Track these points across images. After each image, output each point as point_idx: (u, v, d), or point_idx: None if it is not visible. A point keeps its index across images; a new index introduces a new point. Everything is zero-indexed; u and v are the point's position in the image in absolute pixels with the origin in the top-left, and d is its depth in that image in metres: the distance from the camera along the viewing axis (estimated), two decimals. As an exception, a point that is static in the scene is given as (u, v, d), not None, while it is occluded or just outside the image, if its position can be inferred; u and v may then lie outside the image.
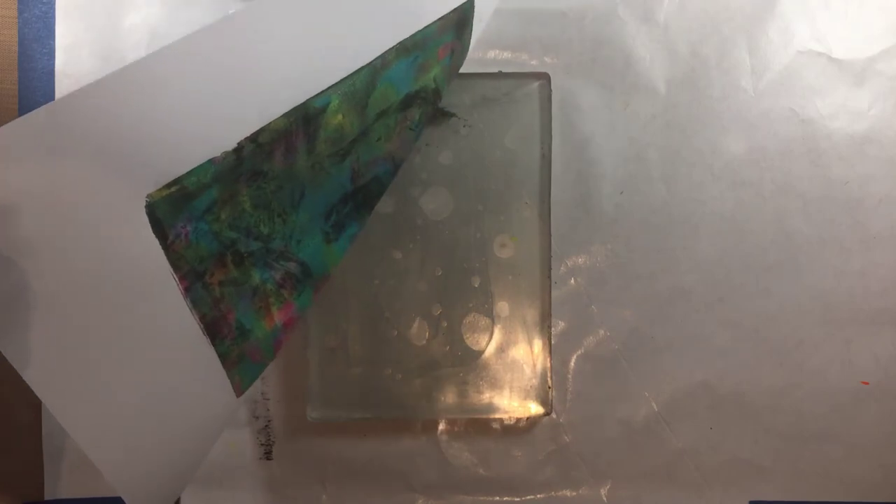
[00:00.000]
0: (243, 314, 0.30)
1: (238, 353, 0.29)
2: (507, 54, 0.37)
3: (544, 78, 0.36)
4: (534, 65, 0.37)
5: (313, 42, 0.27)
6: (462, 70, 0.37)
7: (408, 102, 0.32)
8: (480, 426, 0.38)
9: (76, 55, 0.37)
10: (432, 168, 0.36)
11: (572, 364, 0.38)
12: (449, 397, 0.36)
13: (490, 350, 0.37)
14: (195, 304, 0.27)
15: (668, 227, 0.38)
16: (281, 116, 0.27)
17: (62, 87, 0.37)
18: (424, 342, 0.36)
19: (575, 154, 0.37)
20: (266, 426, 0.37)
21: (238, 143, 0.26)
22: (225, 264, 0.28)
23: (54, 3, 0.37)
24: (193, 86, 0.24)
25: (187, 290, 0.26)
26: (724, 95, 0.37)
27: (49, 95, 0.37)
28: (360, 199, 0.33)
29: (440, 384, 0.36)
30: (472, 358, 0.36)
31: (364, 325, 0.36)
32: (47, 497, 0.36)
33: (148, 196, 0.24)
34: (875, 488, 0.38)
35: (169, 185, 0.24)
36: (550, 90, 0.36)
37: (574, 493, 0.38)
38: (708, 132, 0.37)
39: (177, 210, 0.25)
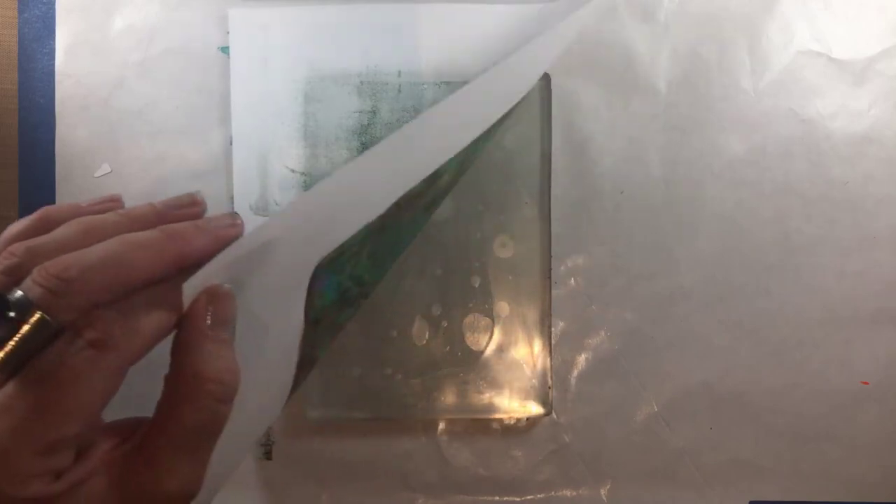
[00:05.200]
0: (323, 347, 0.32)
1: (303, 377, 0.30)
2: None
3: (544, 78, 0.36)
4: (534, 65, 0.37)
5: (456, 129, 0.30)
6: (462, 70, 0.37)
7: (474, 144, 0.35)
8: (480, 426, 0.37)
9: (76, 55, 0.37)
10: (432, 168, 0.36)
11: (572, 364, 0.38)
12: (449, 397, 0.36)
13: (490, 350, 0.36)
14: (302, 345, 0.28)
15: (668, 227, 0.38)
16: (420, 182, 0.29)
17: (62, 87, 0.37)
18: (424, 342, 0.36)
19: (575, 154, 0.37)
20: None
21: (387, 209, 0.28)
22: (335, 311, 0.30)
23: (54, 3, 0.37)
24: (369, 183, 0.27)
25: (304, 336, 0.27)
26: (724, 95, 0.37)
27: (49, 95, 0.37)
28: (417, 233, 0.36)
29: (440, 384, 0.36)
30: (472, 358, 0.36)
31: (364, 325, 0.36)
32: (47, 497, 0.36)
33: (320, 261, 0.26)
34: (875, 488, 0.38)
35: (334, 252, 0.27)
36: (550, 90, 0.36)
37: (574, 493, 0.38)
38: (708, 132, 0.37)
39: (328, 267, 0.27)
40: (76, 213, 0.24)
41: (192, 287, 0.22)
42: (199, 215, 0.26)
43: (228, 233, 0.24)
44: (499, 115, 0.33)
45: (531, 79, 0.35)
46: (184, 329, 0.23)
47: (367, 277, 0.32)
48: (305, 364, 0.29)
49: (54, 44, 0.37)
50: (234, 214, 0.25)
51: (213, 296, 0.23)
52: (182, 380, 0.22)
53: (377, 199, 0.28)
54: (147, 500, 0.22)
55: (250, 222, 0.25)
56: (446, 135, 0.30)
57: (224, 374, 0.22)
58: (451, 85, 0.36)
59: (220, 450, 0.23)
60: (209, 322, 0.23)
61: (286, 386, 0.28)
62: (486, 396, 0.37)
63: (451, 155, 0.30)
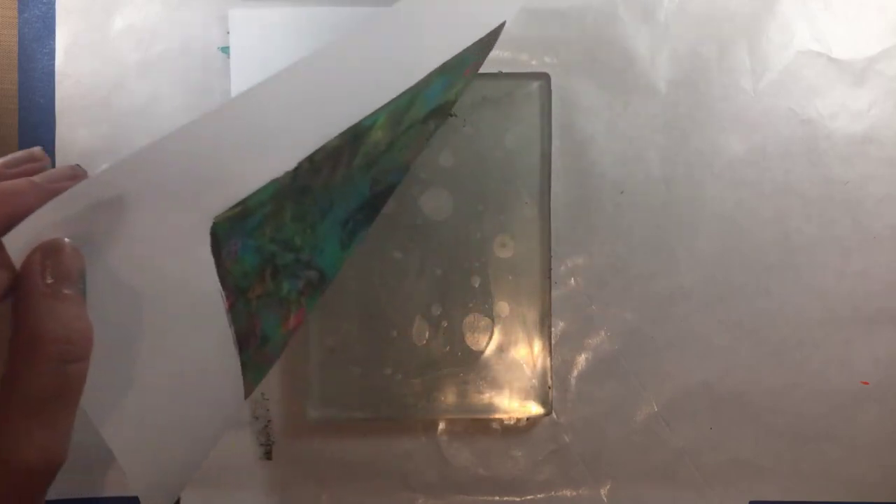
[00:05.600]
0: (268, 324, 0.30)
1: (257, 359, 0.30)
2: (507, 54, 0.37)
3: (544, 78, 0.36)
4: (534, 65, 0.37)
5: (372, 71, 0.28)
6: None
7: (430, 115, 0.33)
8: (480, 426, 0.37)
9: (76, 55, 0.37)
10: (432, 168, 0.36)
11: (572, 364, 0.38)
12: (449, 397, 0.36)
13: (490, 350, 0.36)
14: (235, 319, 0.27)
15: (668, 227, 0.38)
16: (337, 136, 0.28)
17: (62, 87, 0.37)
18: (424, 342, 0.36)
19: (575, 154, 0.37)
20: (266, 426, 0.37)
21: (298, 163, 0.26)
22: (264, 279, 0.29)
23: (54, 3, 0.37)
24: (265, 125, 0.25)
25: (232, 307, 0.26)
26: (724, 95, 0.37)
27: (49, 95, 0.37)
28: (373, 205, 0.33)
29: (440, 384, 0.36)
30: (472, 358, 0.36)
31: (364, 325, 0.36)
32: (48, 497, 0.36)
33: (215, 218, 0.24)
34: (875, 488, 0.38)
35: (234, 207, 0.25)
36: (550, 90, 0.36)
37: (574, 493, 0.38)
38: (708, 132, 0.37)
39: (233, 228, 0.25)
40: None
41: (15, 241, 0.21)
42: (38, 171, 0.24)
43: (67, 187, 0.21)
44: (442, 60, 0.31)
45: (479, 20, 0.32)
46: (19, 288, 0.21)
47: (300, 243, 0.30)
48: (250, 340, 0.28)
49: (54, 44, 0.37)
50: (76, 167, 0.23)
51: (49, 250, 0.21)
52: (20, 342, 0.21)
53: (278, 153, 0.26)
54: (5, 471, 0.21)
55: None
56: (362, 79, 0.28)
57: (70, 333, 0.21)
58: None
59: (169, 439, 0.23)
60: (48, 279, 0.21)
61: (232, 365, 0.28)
62: (486, 396, 0.37)
63: (376, 105, 0.28)
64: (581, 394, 0.38)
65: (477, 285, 0.36)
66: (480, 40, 0.32)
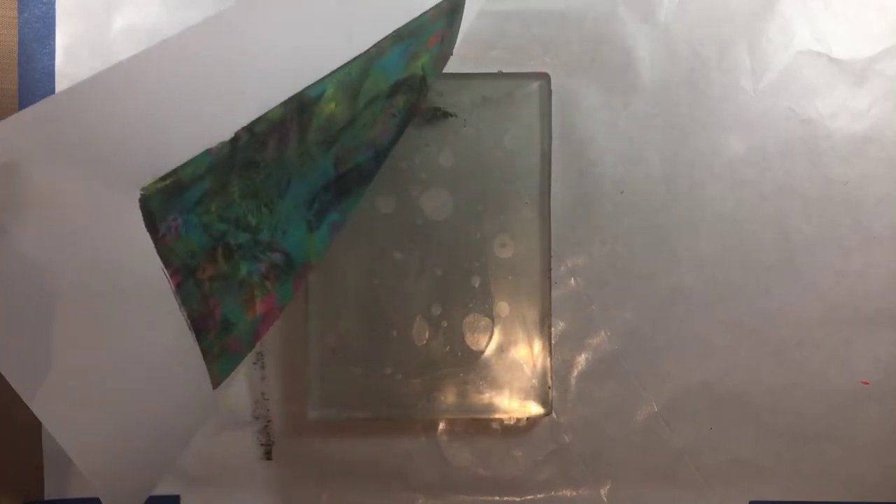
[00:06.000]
0: (229, 308, 0.29)
1: (220, 346, 0.29)
2: (507, 54, 0.37)
3: (544, 78, 0.36)
4: (534, 65, 0.37)
5: (310, 32, 0.27)
6: (462, 70, 0.37)
7: (395, 90, 0.32)
8: (480, 426, 0.37)
9: (76, 55, 0.37)
10: (432, 168, 0.36)
11: (572, 364, 0.38)
12: (449, 397, 0.36)
13: (490, 350, 0.36)
14: (185, 300, 0.26)
15: (668, 227, 0.38)
16: (278, 106, 0.26)
17: (62, 87, 0.37)
18: (424, 342, 0.36)
19: (575, 154, 0.37)
20: (266, 426, 0.37)
21: (235, 134, 0.25)
22: (216, 259, 0.27)
23: (54, 3, 0.37)
24: (190, 80, 0.23)
25: (179, 287, 0.25)
26: (724, 95, 0.37)
27: (49, 95, 0.37)
28: (341, 186, 0.32)
29: (440, 384, 0.36)
30: (472, 358, 0.36)
31: (364, 325, 0.36)
32: (47, 497, 0.36)
33: (142, 189, 0.23)
34: (875, 488, 0.38)
35: (164, 178, 0.24)
36: (550, 90, 0.36)
37: (574, 493, 0.38)
38: (708, 132, 0.37)
39: (169, 202, 0.24)
40: None
41: None
42: None
43: None
44: (393, 27, 0.30)
45: None
46: None
47: (256, 222, 0.29)
48: (208, 324, 0.27)
49: (54, 44, 0.37)
50: None
51: None
52: None
53: (208, 120, 0.24)
54: None
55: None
56: (298, 44, 0.26)
57: None
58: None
59: (129, 436, 0.22)
60: None
61: (192, 351, 0.27)
62: (486, 396, 0.37)
63: (319, 74, 0.27)
64: (581, 394, 0.38)
65: (477, 285, 0.36)
66: (439, 5, 0.31)
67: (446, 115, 0.36)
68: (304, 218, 0.31)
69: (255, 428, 0.37)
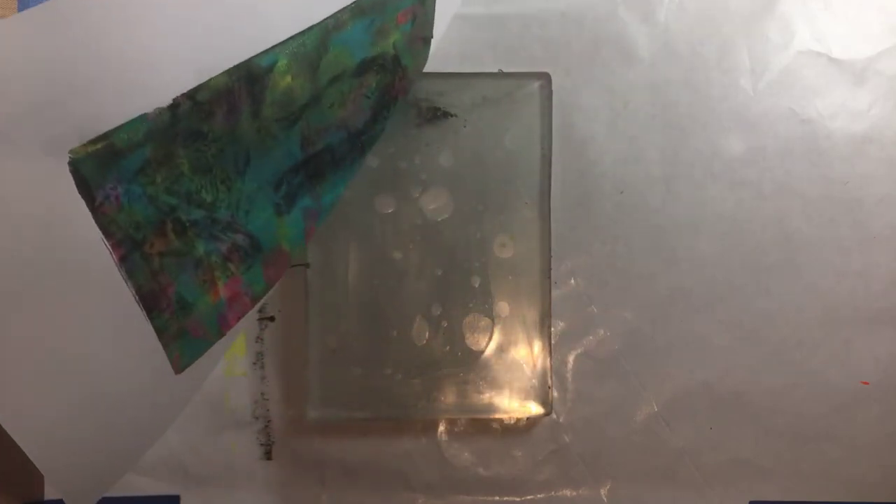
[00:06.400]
0: (185, 287, 0.28)
1: (178, 327, 0.28)
2: (507, 54, 0.37)
3: (544, 78, 0.36)
4: (534, 65, 0.37)
5: (254, 3, 0.26)
6: (462, 70, 0.37)
7: (364, 68, 0.31)
8: (480, 426, 0.38)
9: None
10: (432, 168, 0.36)
11: (572, 364, 0.38)
12: (449, 397, 0.36)
13: (490, 350, 0.36)
14: (131, 274, 0.25)
15: (668, 227, 0.38)
16: (222, 73, 0.26)
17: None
18: (424, 342, 0.36)
19: (575, 154, 0.37)
20: (266, 426, 0.37)
21: (174, 100, 0.24)
22: (165, 233, 0.27)
23: (54, 3, 0.37)
24: (121, 33, 0.22)
25: (122, 260, 0.25)
26: (723, 95, 0.37)
27: None
28: (312, 169, 0.32)
29: (440, 384, 0.36)
30: (472, 358, 0.36)
31: (364, 325, 0.36)
32: (47, 497, 0.36)
33: (71, 152, 0.22)
34: (875, 488, 0.38)
35: (95, 141, 0.23)
36: (550, 90, 0.36)
37: (574, 493, 0.38)
38: (708, 132, 0.37)
39: (105, 169, 0.23)
40: None
41: None
42: None
43: None
44: None
45: None
46: None
47: (212, 199, 0.28)
48: (161, 303, 0.27)
49: None
50: None
51: None
52: None
53: (142, 82, 0.23)
54: None
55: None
56: (240, 10, 0.25)
57: None
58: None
59: (84, 424, 0.21)
60: None
61: (146, 332, 0.26)
62: (486, 396, 0.37)
63: (266, 43, 0.26)
64: (581, 394, 0.38)
65: (477, 285, 0.36)
66: None
67: (446, 115, 0.36)
68: (271, 200, 0.31)
69: (255, 428, 0.37)
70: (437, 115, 0.36)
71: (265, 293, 0.33)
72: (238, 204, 0.29)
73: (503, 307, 0.37)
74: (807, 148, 0.38)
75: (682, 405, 0.38)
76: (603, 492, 0.38)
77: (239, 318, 0.31)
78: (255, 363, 0.37)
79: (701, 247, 0.38)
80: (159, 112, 0.24)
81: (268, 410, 0.37)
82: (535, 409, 0.37)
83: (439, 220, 0.36)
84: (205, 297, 0.29)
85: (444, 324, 0.36)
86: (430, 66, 0.37)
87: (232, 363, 0.37)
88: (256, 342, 0.37)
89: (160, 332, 0.27)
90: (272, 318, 0.37)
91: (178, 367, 0.28)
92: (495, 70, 0.37)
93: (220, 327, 0.30)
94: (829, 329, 0.38)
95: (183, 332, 0.28)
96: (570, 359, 0.38)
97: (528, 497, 0.38)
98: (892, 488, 0.38)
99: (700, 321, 0.38)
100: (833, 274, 0.38)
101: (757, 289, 0.38)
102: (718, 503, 0.38)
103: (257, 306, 0.37)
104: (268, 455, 0.37)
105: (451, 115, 0.36)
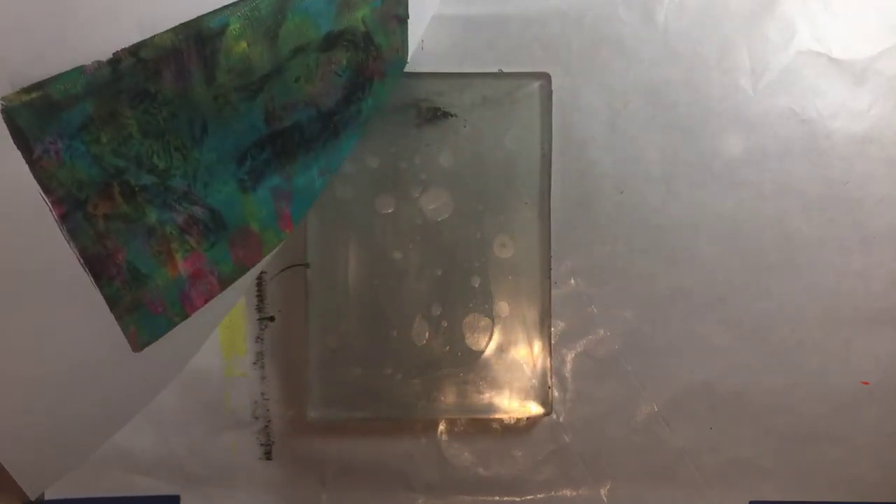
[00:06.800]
0: (137, 256, 0.27)
1: (132, 299, 0.27)
2: (507, 54, 0.37)
3: (544, 78, 0.36)
4: (534, 65, 0.37)
5: None
6: (462, 70, 0.37)
7: (331, 42, 0.31)
8: (480, 426, 0.38)
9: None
10: (432, 168, 0.36)
11: (572, 364, 0.38)
12: (449, 397, 0.36)
13: (490, 350, 0.37)
14: (74, 235, 0.25)
15: (668, 227, 0.38)
16: (167, 31, 0.25)
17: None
18: (424, 342, 0.36)
19: (575, 154, 0.37)
20: (266, 426, 0.37)
21: (114, 55, 0.24)
22: (112, 196, 0.26)
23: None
24: None
25: (63, 218, 0.24)
26: (723, 95, 0.37)
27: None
28: (280, 146, 0.31)
29: (440, 384, 0.36)
30: (472, 358, 0.36)
31: (364, 325, 0.36)
32: (47, 497, 0.36)
33: (4, 99, 0.22)
34: (875, 488, 0.38)
35: (29, 90, 0.22)
36: (550, 90, 0.36)
37: (574, 493, 0.38)
38: (708, 132, 0.37)
39: (42, 121, 0.23)
40: None
41: None
42: None
43: None
44: None
45: None
46: None
47: (165, 166, 0.27)
48: (108, 268, 0.26)
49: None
50: None
51: None
52: None
53: (77, 31, 0.22)
54: None
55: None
56: None
57: None
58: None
59: (35, 405, 0.20)
60: None
61: (97, 302, 0.25)
62: (486, 396, 0.37)
63: (215, 3, 0.26)
64: (581, 394, 0.38)
65: (477, 285, 0.36)
66: None
67: (446, 115, 0.36)
68: (234, 175, 0.30)
69: (255, 428, 0.37)
70: (437, 115, 0.36)
71: (236, 276, 0.32)
72: (195, 174, 0.28)
73: (503, 307, 0.37)
74: (807, 148, 0.38)
75: (682, 405, 0.38)
76: (603, 492, 0.38)
77: (206, 300, 0.30)
78: (255, 363, 0.37)
79: (701, 247, 0.38)
80: (98, 66, 0.23)
81: (268, 410, 0.37)
82: (535, 409, 0.37)
83: (439, 220, 0.36)
84: (161, 270, 0.28)
85: (444, 324, 0.36)
86: (430, 66, 0.37)
87: (232, 363, 0.37)
88: (256, 342, 0.37)
89: (112, 302, 0.26)
90: (272, 318, 0.37)
91: (137, 344, 0.28)
92: (495, 70, 0.37)
93: (184, 306, 0.29)
94: (829, 329, 0.38)
95: (138, 304, 0.28)
96: (570, 359, 0.38)
97: (528, 497, 0.38)
98: (892, 488, 0.38)
99: (700, 321, 0.38)
100: (833, 274, 0.38)
101: (757, 289, 0.38)
102: (718, 503, 0.38)
103: (257, 306, 0.37)
104: (268, 455, 0.37)
105: (451, 115, 0.36)
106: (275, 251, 0.34)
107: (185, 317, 0.30)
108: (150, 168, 0.27)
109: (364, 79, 0.33)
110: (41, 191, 0.23)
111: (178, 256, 0.29)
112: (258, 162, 0.31)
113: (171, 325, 0.29)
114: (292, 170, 0.32)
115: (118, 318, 0.27)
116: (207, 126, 0.28)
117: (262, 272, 0.36)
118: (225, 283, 0.31)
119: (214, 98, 0.28)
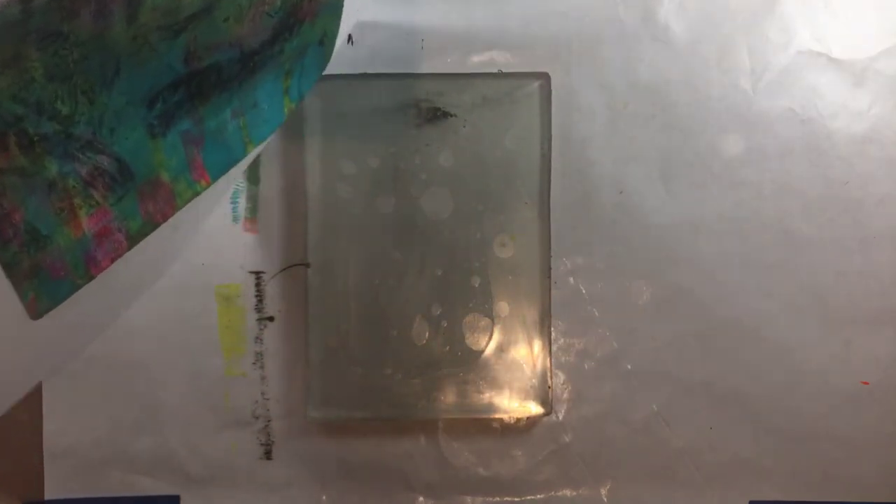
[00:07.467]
0: (36, 215, 0.25)
1: (31, 263, 0.25)
2: (507, 54, 0.37)
3: (544, 78, 0.36)
4: (534, 65, 0.37)
5: None
6: (462, 70, 0.37)
7: None
8: (480, 426, 0.38)
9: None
10: (432, 168, 0.36)
11: (572, 364, 0.38)
12: (449, 397, 0.36)
13: (490, 350, 0.37)
14: None
15: (668, 227, 0.38)
16: None
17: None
18: (424, 342, 0.36)
19: (575, 154, 0.37)
20: (266, 426, 0.37)
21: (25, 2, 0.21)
22: (7, 146, 0.23)
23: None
24: None
25: None
26: (723, 95, 0.37)
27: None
28: (195, 87, 0.28)
29: (440, 384, 0.36)
30: (472, 358, 0.36)
31: (364, 325, 0.36)
32: (47, 497, 0.36)
33: None
34: (875, 488, 0.38)
35: None
36: (550, 90, 0.36)
37: (574, 493, 0.38)
38: (708, 132, 0.37)
39: None
40: None
41: None
42: None
43: None
44: None
45: None
46: None
47: (69, 112, 0.25)
48: (5, 230, 0.24)
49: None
50: None
51: None
52: None
53: None
54: None
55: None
56: None
57: None
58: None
59: None
60: None
61: None
62: (486, 396, 0.37)
63: None
64: (581, 394, 0.38)
65: (477, 285, 0.36)
66: None
67: (446, 115, 0.36)
68: (143, 119, 0.27)
69: (255, 428, 0.37)
70: (437, 115, 0.36)
71: (145, 232, 0.29)
72: (101, 119, 0.26)
73: (503, 307, 0.37)
74: (807, 148, 0.38)
75: (682, 405, 0.38)
76: (603, 492, 0.38)
77: (113, 259, 0.28)
78: (255, 363, 0.37)
79: (701, 247, 0.38)
80: (7, 4, 0.21)
81: (268, 410, 0.37)
82: (534, 408, 0.37)
83: (439, 220, 0.36)
84: (63, 230, 0.26)
85: (444, 324, 0.36)
86: (430, 66, 0.37)
87: (232, 363, 0.37)
88: (256, 342, 0.37)
89: (8, 266, 0.24)
90: (272, 318, 0.37)
91: (35, 312, 0.25)
92: (495, 70, 0.37)
93: (89, 267, 0.27)
94: (829, 329, 0.38)
95: (38, 269, 0.25)
96: (571, 359, 0.38)
97: (528, 497, 0.38)
98: (892, 488, 0.38)
99: (700, 321, 0.38)
100: (833, 274, 0.38)
101: (757, 289, 0.38)
102: (718, 503, 0.38)
103: (257, 306, 0.37)
104: (268, 455, 0.37)
105: (451, 115, 0.36)
106: (189, 202, 0.31)
107: (90, 279, 0.27)
108: (52, 114, 0.24)
109: (295, 20, 0.30)
110: None
111: (81, 213, 0.26)
112: (169, 104, 0.28)
113: (74, 288, 0.27)
114: (204, 111, 0.29)
115: (15, 286, 0.24)
116: (120, 67, 0.25)
117: (262, 272, 0.37)
118: (134, 240, 0.29)
119: (133, 38, 0.25)
